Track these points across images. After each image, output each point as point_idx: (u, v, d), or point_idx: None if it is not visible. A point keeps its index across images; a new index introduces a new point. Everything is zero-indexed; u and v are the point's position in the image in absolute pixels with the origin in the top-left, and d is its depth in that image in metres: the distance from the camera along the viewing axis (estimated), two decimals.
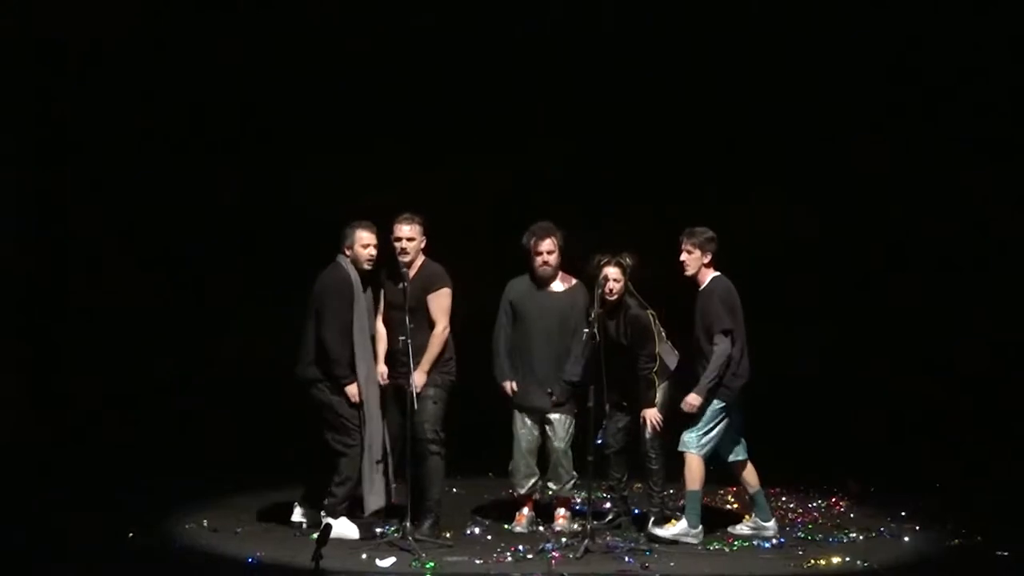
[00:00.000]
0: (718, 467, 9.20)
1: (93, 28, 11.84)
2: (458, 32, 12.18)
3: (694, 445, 8.88)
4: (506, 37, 12.18)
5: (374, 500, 8.89)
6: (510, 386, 9.31)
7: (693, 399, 8.84)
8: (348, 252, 8.96)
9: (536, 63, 12.19)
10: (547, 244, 9.23)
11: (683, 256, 8.97)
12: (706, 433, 8.89)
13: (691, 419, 8.87)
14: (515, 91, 12.20)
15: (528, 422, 9.28)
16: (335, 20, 12.15)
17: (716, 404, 8.87)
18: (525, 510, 9.40)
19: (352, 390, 8.83)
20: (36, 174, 12.01)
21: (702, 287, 8.98)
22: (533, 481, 9.33)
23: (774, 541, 8.98)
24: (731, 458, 9.12)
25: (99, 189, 12.08)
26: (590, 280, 9.12)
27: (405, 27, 12.20)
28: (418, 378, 8.82)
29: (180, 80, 12.09)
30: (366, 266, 8.95)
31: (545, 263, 9.24)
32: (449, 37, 12.19)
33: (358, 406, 8.85)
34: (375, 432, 8.88)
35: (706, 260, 8.96)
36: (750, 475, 9.15)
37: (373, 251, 8.94)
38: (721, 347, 8.82)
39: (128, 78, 12.04)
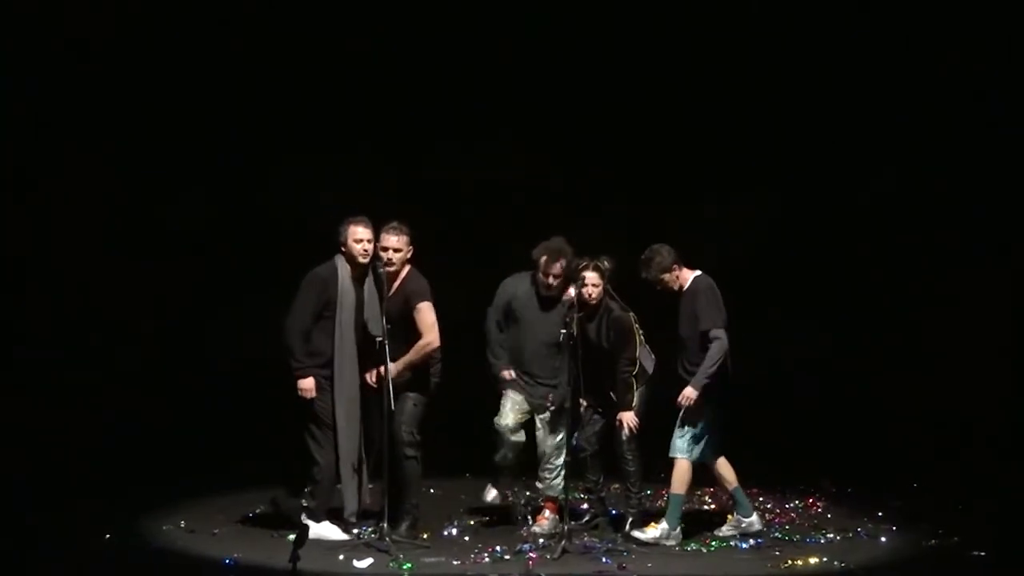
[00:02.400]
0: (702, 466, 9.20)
1: (74, 28, 11.82)
2: (439, 34, 12.21)
3: (686, 451, 8.89)
4: (487, 38, 12.20)
5: (349, 503, 8.89)
6: (508, 373, 9.31)
7: (690, 392, 8.81)
8: (343, 248, 8.97)
9: (517, 64, 12.22)
10: (556, 269, 9.16)
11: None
12: (697, 437, 8.90)
13: (689, 420, 8.86)
14: (496, 93, 12.23)
15: (513, 415, 9.27)
16: (318, 20, 12.18)
17: (706, 407, 8.88)
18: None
19: (303, 384, 8.80)
20: (15, 170, 11.96)
21: (685, 288, 9.00)
22: (511, 457, 9.29)
23: (752, 541, 8.99)
24: (711, 457, 9.12)
25: (83, 183, 12.06)
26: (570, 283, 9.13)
27: (386, 28, 12.23)
28: (392, 368, 8.78)
29: (166, 78, 12.09)
30: (360, 260, 8.92)
31: (550, 287, 9.20)
32: (429, 38, 12.22)
33: (332, 404, 8.82)
34: (354, 435, 8.88)
35: (677, 271, 8.97)
36: (727, 471, 9.13)
37: (367, 245, 8.92)
38: (719, 341, 8.82)
39: (112, 76, 12.03)
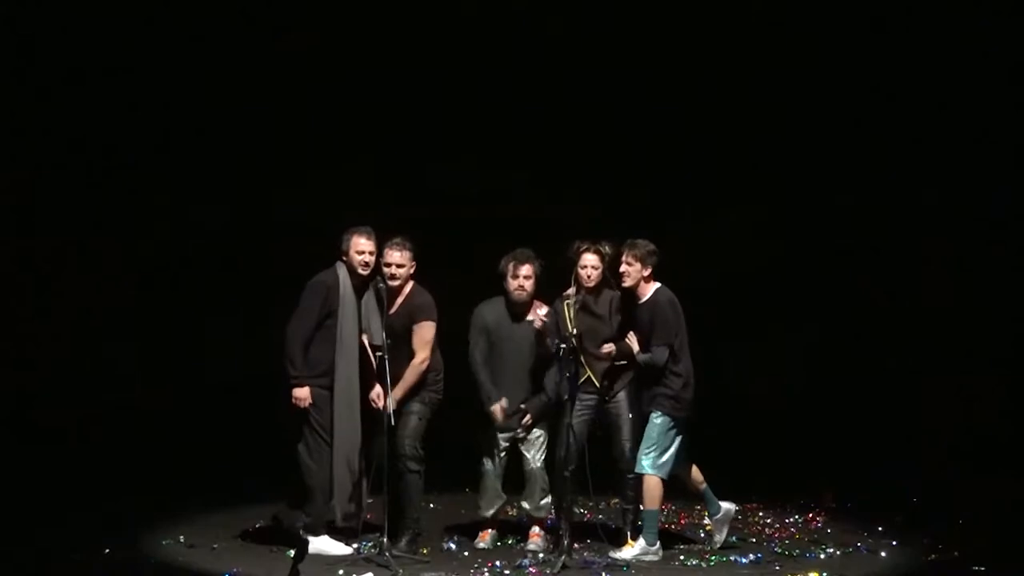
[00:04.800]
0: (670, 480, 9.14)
1: (72, 39, 11.86)
2: (439, 43, 12.25)
3: (652, 467, 8.87)
4: (487, 51, 12.24)
5: (339, 508, 8.82)
6: (500, 407, 9.19)
7: (635, 348, 8.89)
8: (344, 258, 8.96)
9: (516, 78, 12.25)
10: (525, 270, 9.14)
11: (623, 267, 8.94)
12: (663, 453, 8.88)
13: (654, 437, 8.84)
14: (498, 104, 12.27)
15: (500, 444, 9.24)
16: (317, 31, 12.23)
17: (668, 423, 8.85)
18: (489, 528, 9.37)
19: (299, 393, 8.78)
20: (16, 180, 11.99)
21: (644, 299, 8.96)
22: (500, 504, 9.32)
23: (752, 556, 8.97)
24: (678, 469, 9.10)
25: (86, 193, 12.10)
26: (568, 265, 9.07)
27: (386, 36, 12.29)
28: (387, 402, 8.81)
29: (170, 85, 12.13)
30: (361, 271, 8.91)
31: (521, 287, 9.14)
32: (430, 48, 12.27)
33: (330, 415, 8.79)
34: (352, 444, 8.84)
35: (646, 273, 8.94)
36: (696, 475, 9.16)
37: (368, 257, 8.91)
38: (659, 355, 8.83)
39: (113, 81, 12.06)
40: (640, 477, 8.91)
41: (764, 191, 12.37)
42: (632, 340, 8.98)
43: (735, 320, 12.15)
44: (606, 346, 8.99)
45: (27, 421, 11.77)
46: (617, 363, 9.06)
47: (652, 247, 8.96)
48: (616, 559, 8.78)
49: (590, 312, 9.07)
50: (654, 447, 8.86)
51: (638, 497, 9.08)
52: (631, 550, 8.86)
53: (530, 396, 9.18)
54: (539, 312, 9.17)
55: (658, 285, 9.00)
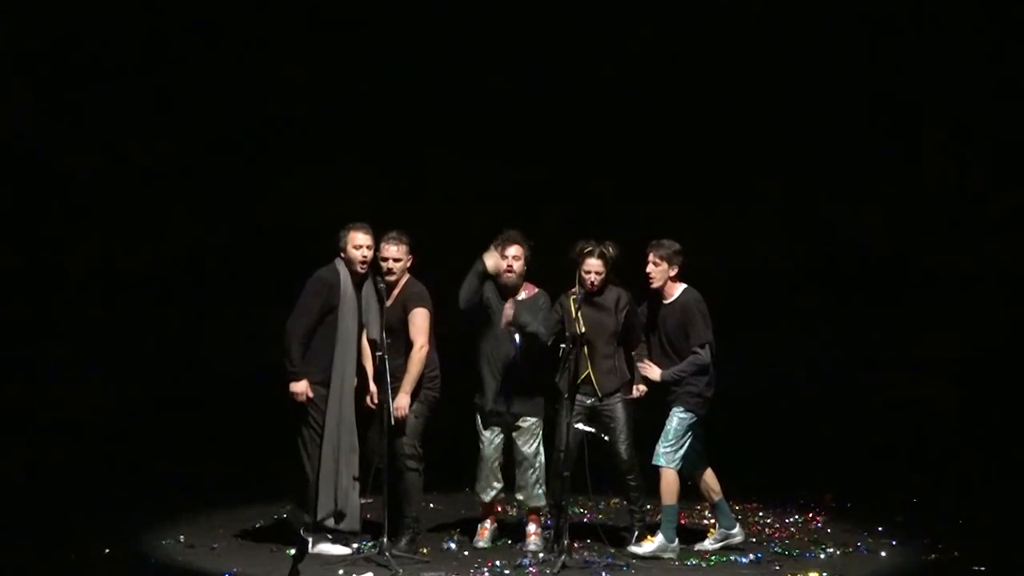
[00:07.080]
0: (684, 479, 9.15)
1: (79, 40, 11.88)
2: (439, 43, 12.25)
3: (668, 460, 8.87)
4: (485, 46, 12.23)
5: (323, 507, 8.75)
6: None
7: (655, 373, 8.90)
8: (343, 254, 8.93)
9: (519, 74, 12.26)
10: (513, 251, 9.13)
11: (649, 268, 8.93)
12: (680, 448, 8.89)
13: (674, 430, 8.87)
14: (496, 99, 12.25)
15: (494, 428, 9.23)
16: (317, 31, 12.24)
17: (689, 417, 8.88)
18: (488, 523, 9.35)
19: (296, 387, 8.75)
20: (24, 169, 12.00)
21: (671, 299, 8.97)
22: (498, 490, 9.30)
23: (751, 556, 8.97)
24: (693, 470, 9.12)
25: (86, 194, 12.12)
26: (572, 266, 9.03)
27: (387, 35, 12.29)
28: (401, 400, 8.81)
29: (173, 85, 12.15)
30: (359, 268, 8.88)
31: (509, 268, 9.15)
32: (430, 47, 12.27)
33: (324, 412, 8.75)
34: (343, 443, 8.79)
35: (673, 273, 8.94)
36: (713, 482, 9.15)
37: (366, 252, 8.88)
38: (702, 357, 8.83)
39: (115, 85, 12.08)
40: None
41: (765, 190, 12.37)
42: (647, 368, 8.98)
43: (734, 319, 12.14)
44: (638, 389, 9.07)
45: (27, 420, 11.76)
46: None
47: (677, 247, 8.94)
48: (636, 553, 8.79)
49: (596, 306, 9.05)
50: (672, 441, 8.87)
51: (643, 496, 9.15)
52: (650, 544, 8.87)
53: (522, 375, 9.10)
54: (508, 309, 9.14)
55: (684, 286, 9.00)
